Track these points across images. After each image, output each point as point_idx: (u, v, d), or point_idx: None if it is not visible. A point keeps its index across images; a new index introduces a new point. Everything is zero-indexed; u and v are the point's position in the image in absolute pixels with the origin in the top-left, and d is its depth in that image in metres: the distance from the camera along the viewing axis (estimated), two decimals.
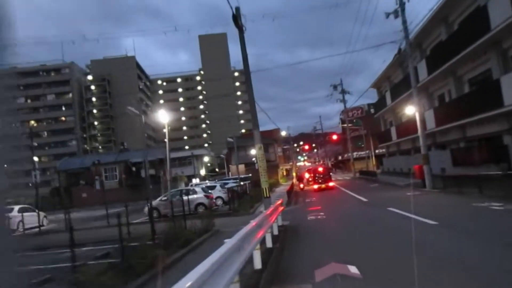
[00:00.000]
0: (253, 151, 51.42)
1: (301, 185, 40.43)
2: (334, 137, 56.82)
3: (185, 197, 18.78)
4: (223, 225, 14.68)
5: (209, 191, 21.11)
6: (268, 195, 12.25)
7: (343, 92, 49.14)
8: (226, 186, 25.08)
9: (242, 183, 28.65)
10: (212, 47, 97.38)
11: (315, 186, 29.74)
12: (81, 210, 32.79)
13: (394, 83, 38.80)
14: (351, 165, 52.81)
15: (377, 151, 57.62)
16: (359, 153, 58.70)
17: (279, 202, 11.82)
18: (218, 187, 24.18)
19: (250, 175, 39.00)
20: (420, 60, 27.47)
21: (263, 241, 7.18)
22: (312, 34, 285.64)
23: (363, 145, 53.38)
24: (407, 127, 34.07)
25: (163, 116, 18.17)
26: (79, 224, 22.59)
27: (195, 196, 19.71)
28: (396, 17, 20.52)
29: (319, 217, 13.80)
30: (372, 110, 60.46)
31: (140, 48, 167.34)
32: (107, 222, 18.27)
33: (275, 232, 9.75)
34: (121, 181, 45.88)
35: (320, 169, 31.89)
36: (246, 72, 12.30)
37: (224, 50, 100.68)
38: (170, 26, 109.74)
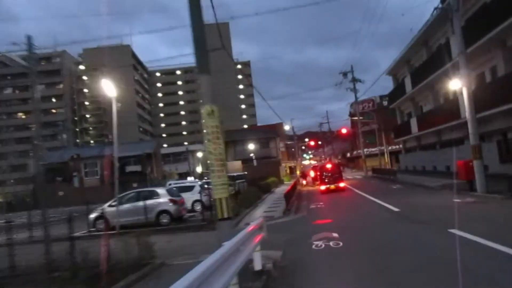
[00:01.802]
0: (250, 146, 46.11)
1: (304, 182, 35.42)
2: (344, 130, 51.13)
3: (140, 203, 13.59)
4: (180, 250, 9.47)
5: (180, 194, 15.67)
6: (227, 215, 5.88)
7: (354, 80, 43.39)
8: (209, 187, 19.64)
9: (233, 182, 23.17)
10: (213, 36, 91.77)
11: (323, 187, 24.18)
12: (47, 211, 27.58)
13: (415, 67, 33.29)
14: (362, 162, 47.27)
15: (389, 147, 52.16)
16: (370, 149, 53.19)
17: (251, 228, 5.82)
18: (197, 188, 18.66)
19: (246, 172, 33.55)
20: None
21: None
22: (322, 29, 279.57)
23: (374, 142, 48.03)
24: (432, 117, 28.75)
25: (108, 88, 12.90)
26: (15, 231, 17.65)
27: (158, 200, 14.30)
28: None
29: (331, 244, 8.15)
30: (384, 102, 54.98)
31: (144, 44, 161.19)
32: (29, 236, 13.01)
33: None
34: (102, 178, 40.74)
35: (329, 166, 26.16)
36: None
37: (227, 40, 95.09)
38: (175, 21, 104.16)
